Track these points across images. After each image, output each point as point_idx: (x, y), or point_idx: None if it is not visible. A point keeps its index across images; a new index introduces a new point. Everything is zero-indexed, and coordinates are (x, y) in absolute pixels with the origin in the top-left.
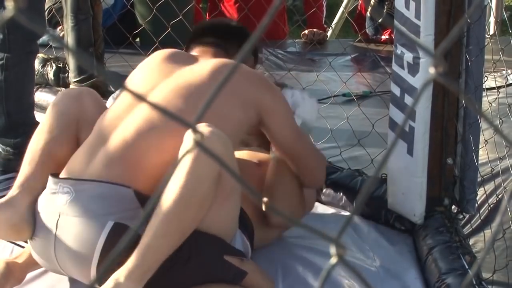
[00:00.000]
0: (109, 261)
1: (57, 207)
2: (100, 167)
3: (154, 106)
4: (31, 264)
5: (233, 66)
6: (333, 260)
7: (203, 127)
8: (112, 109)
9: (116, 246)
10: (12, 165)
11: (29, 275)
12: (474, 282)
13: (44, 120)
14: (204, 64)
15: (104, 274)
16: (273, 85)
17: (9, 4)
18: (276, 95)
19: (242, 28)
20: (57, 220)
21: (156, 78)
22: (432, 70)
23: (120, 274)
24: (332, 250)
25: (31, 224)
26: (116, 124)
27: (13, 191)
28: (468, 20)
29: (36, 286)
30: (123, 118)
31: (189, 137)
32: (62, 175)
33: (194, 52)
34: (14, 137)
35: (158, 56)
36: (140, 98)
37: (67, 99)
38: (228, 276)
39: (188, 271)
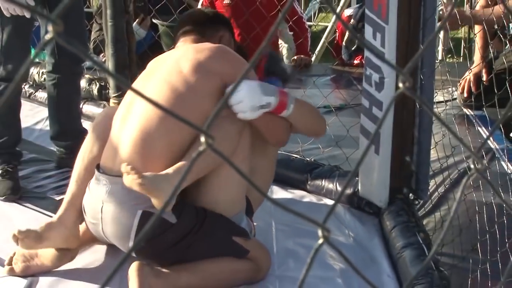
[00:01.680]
0: (137, 241)
1: (100, 196)
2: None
3: (166, 110)
4: (82, 243)
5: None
6: (320, 241)
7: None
8: (118, 111)
9: (143, 229)
10: (64, 162)
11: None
12: (427, 253)
13: (86, 140)
14: (175, 53)
15: (136, 249)
16: (235, 57)
17: (50, 28)
18: (238, 67)
19: (215, 13)
20: (101, 207)
21: (145, 80)
22: (401, 85)
23: (167, 171)
24: (319, 233)
25: (78, 235)
26: (122, 126)
27: (62, 209)
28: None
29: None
30: (126, 119)
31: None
32: (101, 168)
33: (179, 43)
34: (66, 140)
35: (150, 63)
36: (153, 103)
37: (104, 120)
38: (234, 254)
39: (200, 249)
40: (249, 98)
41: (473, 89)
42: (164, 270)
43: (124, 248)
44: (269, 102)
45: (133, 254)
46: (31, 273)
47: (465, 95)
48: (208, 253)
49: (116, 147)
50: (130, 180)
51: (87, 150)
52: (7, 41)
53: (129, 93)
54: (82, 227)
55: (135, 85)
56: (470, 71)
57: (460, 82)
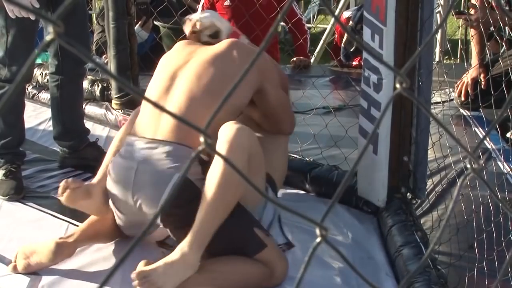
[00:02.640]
0: (165, 202)
1: (135, 159)
2: (167, 130)
3: (172, 114)
4: (80, 241)
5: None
6: (318, 239)
7: (231, 125)
8: (157, 84)
9: (168, 194)
10: (67, 162)
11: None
12: (424, 252)
13: (127, 123)
14: (219, 44)
15: (164, 215)
16: (264, 57)
17: (51, 30)
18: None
19: None
20: (135, 170)
21: (186, 56)
22: (398, 86)
23: (183, 246)
24: (317, 231)
25: (107, 203)
26: (166, 96)
27: (100, 175)
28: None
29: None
30: (170, 91)
31: (224, 130)
32: (136, 136)
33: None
34: (69, 140)
35: (181, 43)
36: (159, 107)
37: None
38: (252, 245)
39: (223, 228)
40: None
41: (470, 93)
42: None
43: (152, 210)
44: None
45: (159, 222)
46: (32, 270)
47: (462, 98)
48: (227, 235)
49: (157, 115)
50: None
51: (122, 131)
52: (12, 43)
53: (170, 66)
54: (88, 222)
55: (165, 72)
56: (467, 74)
57: (457, 84)
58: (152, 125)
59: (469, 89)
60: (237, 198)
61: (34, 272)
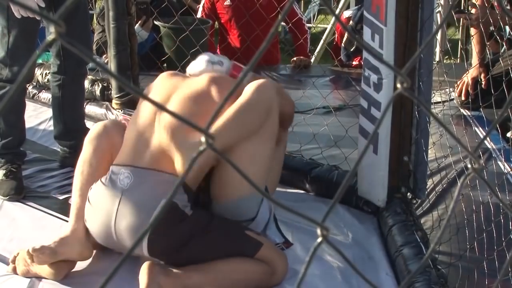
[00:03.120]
0: (149, 226)
1: (119, 188)
2: (150, 159)
3: (173, 114)
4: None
5: (236, 82)
6: (319, 240)
7: (259, 81)
8: (142, 115)
9: (154, 218)
10: (67, 161)
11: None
12: (424, 251)
13: (83, 154)
14: (200, 78)
15: (150, 244)
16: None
17: (52, 30)
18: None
19: None
20: (120, 198)
21: (168, 91)
22: (399, 85)
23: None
24: (318, 231)
25: (90, 247)
26: (150, 129)
27: (72, 222)
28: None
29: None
30: (154, 123)
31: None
32: (119, 165)
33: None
34: (70, 139)
35: (164, 76)
36: (162, 107)
37: (98, 135)
38: (248, 247)
39: (214, 243)
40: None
41: (470, 93)
42: (175, 269)
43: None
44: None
45: (146, 253)
46: (30, 276)
47: (463, 98)
48: (222, 247)
49: (141, 143)
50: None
51: (85, 163)
52: (13, 43)
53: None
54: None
55: (158, 95)
56: (467, 73)
57: (458, 84)
58: (137, 153)
59: (469, 88)
60: (247, 129)
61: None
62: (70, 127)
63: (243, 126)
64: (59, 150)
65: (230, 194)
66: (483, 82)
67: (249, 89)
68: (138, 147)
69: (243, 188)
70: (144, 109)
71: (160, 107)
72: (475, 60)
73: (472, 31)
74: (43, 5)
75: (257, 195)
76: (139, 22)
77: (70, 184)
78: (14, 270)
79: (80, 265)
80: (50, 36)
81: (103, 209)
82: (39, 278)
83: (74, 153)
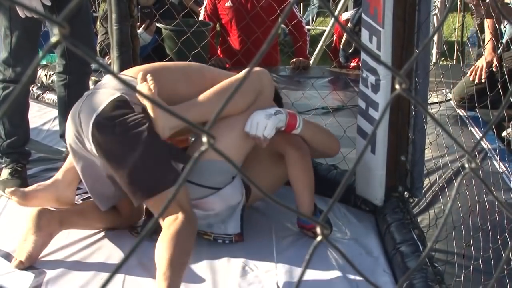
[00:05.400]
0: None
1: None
2: None
3: (173, 114)
4: (65, 216)
5: (239, 80)
6: (318, 238)
7: (257, 70)
8: None
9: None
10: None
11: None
12: (421, 249)
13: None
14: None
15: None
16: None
17: (56, 31)
18: None
19: None
20: (83, 100)
21: None
22: (397, 86)
23: (173, 107)
24: (317, 230)
25: (70, 199)
26: None
27: (59, 173)
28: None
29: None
30: None
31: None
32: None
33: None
34: None
35: None
36: (163, 108)
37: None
38: (163, 174)
39: (142, 147)
40: (262, 121)
41: (483, 76)
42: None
43: (86, 126)
44: (279, 111)
45: (90, 135)
46: (35, 255)
47: (476, 80)
48: (144, 157)
49: None
50: (143, 86)
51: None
52: (16, 44)
53: None
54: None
55: None
56: (481, 59)
57: (471, 70)
58: None
59: (483, 72)
60: (235, 107)
61: (37, 266)
62: None
63: (230, 104)
64: (63, 149)
65: (206, 154)
66: (493, 66)
67: (242, 72)
68: None
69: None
70: None
71: (161, 107)
72: (489, 46)
73: (487, 21)
74: (49, 3)
75: (231, 169)
76: (143, 25)
77: None
78: (20, 264)
79: (81, 256)
80: (54, 38)
81: (72, 113)
82: (43, 271)
83: None
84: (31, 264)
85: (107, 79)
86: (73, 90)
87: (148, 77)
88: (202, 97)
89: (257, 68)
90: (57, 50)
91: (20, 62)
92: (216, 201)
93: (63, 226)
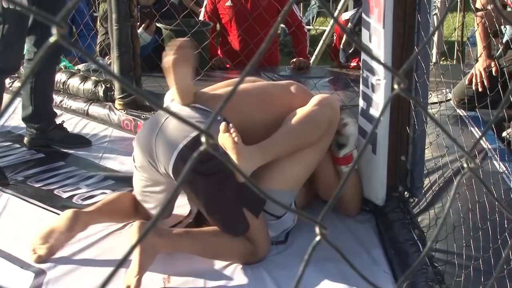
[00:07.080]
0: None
1: (160, 122)
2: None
3: (173, 114)
4: (94, 218)
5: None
6: (317, 238)
7: (322, 96)
8: None
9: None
10: (35, 142)
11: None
12: (421, 249)
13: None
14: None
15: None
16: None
17: (54, 31)
18: None
19: None
20: (162, 123)
21: None
22: (396, 86)
23: (253, 148)
24: (317, 230)
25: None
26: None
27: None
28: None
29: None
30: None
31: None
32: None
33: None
34: (37, 122)
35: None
36: (164, 110)
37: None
38: (233, 224)
39: (213, 195)
40: (355, 136)
41: (486, 83)
42: (167, 230)
43: (166, 158)
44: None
45: (170, 170)
46: (55, 250)
47: (480, 89)
48: (217, 211)
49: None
50: (227, 137)
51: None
52: (8, 30)
53: None
54: (104, 201)
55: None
56: (474, 68)
57: (469, 78)
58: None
59: (483, 78)
60: (310, 139)
61: (47, 260)
62: (40, 110)
63: (302, 137)
64: (27, 132)
65: (268, 182)
66: (493, 69)
67: (315, 100)
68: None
69: (281, 182)
70: None
71: (163, 109)
72: (481, 51)
73: (477, 22)
74: None
75: (291, 195)
76: (143, 25)
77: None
78: (39, 258)
79: (82, 255)
80: (51, 38)
81: (147, 134)
82: (44, 270)
83: (41, 134)
84: (52, 254)
85: (179, 109)
86: (41, 77)
87: (231, 128)
88: (280, 135)
89: (326, 95)
90: (30, 38)
91: (10, 48)
92: (275, 227)
93: (87, 226)
